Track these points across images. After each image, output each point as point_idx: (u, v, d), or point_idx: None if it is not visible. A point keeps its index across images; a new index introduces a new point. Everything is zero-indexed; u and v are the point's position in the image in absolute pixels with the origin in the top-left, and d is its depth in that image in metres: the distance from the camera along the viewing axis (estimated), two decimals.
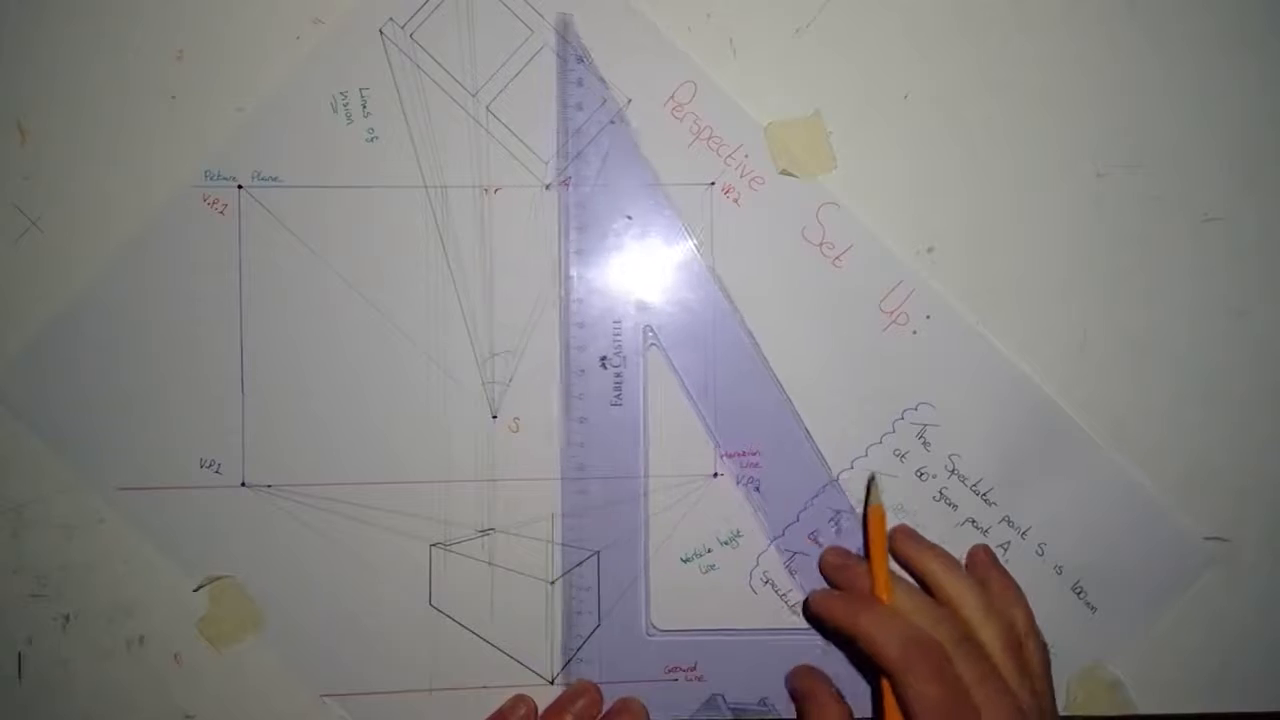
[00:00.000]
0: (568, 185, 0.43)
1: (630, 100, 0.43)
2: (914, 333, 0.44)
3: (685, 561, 0.44)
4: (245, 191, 0.43)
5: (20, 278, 0.42)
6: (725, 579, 0.44)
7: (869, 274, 0.44)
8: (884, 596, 0.40)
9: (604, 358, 0.44)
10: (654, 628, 0.44)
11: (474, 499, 0.43)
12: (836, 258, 0.44)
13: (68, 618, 0.43)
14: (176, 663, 0.43)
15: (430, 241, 0.43)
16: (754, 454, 0.44)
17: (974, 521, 0.44)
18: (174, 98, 0.42)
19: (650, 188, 0.44)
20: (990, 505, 0.44)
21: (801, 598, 0.44)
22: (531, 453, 0.44)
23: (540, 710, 0.43)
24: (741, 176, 0.44)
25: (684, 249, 0.44)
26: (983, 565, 0.43)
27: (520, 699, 0.43)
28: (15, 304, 0.42)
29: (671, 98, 0.43)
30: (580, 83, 0.43)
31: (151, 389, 0.43)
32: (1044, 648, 0.41)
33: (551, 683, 0.44)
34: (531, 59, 0.43)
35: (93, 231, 0.42)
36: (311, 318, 0.43)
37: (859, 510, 0.44)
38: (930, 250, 0.44)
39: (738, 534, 0.44)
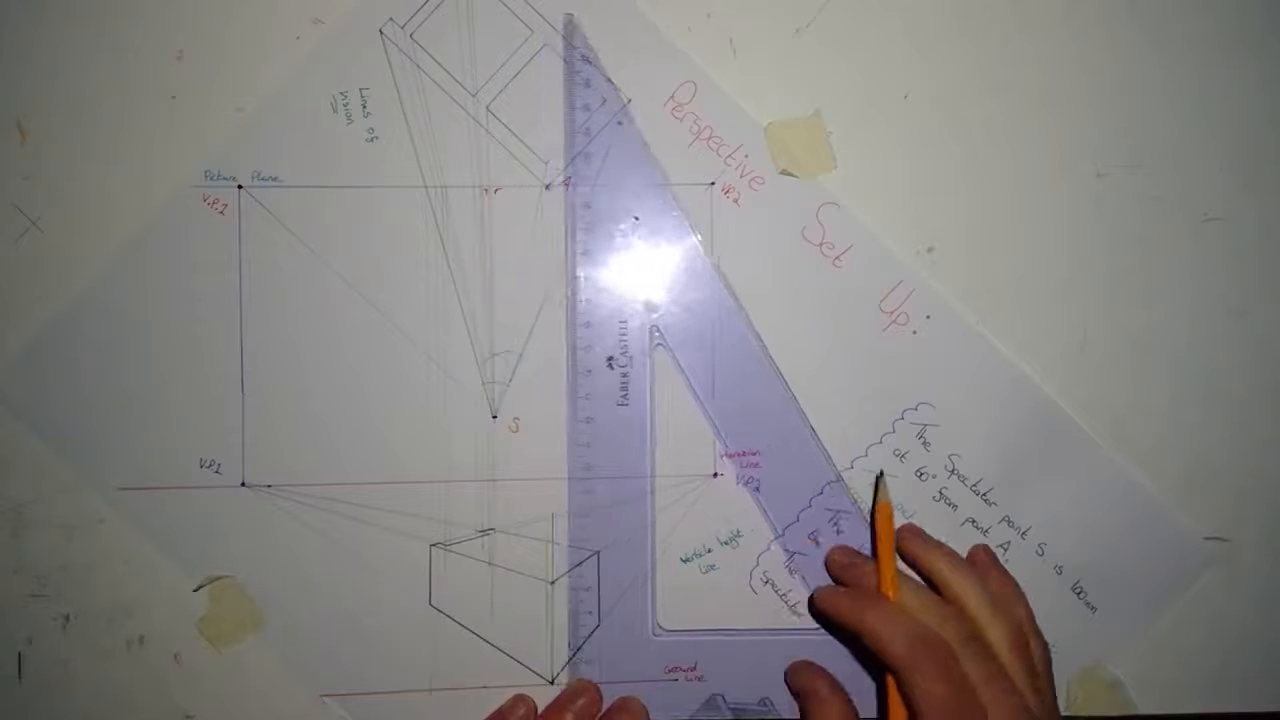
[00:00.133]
0: (568, 185, 0.43)
1: (630, 100, 0.43)
2: (914, 333, 0.44)
3: (685, 561, 0.44)
4: (245, 191, 0.43)
5: (20, 278, 0.42)
6: (725, 579, 0.44)
7: (869, 274, 0.44)
8: (890, 594, 0.40)
9: (610, 358, 0.44)
10: (660, 628, 0.44)
11: (474, 499, 0.43)
12: (836, 258, 0.44)
13: (68, 618, 0.43)
14: (176, 663, 0.43)
15: (430, 241, 0.43)
16: (754, 454, 0.44)
17: (974, 521, 0.44)
18: (174, 98, 0.42)
19: (657, 188, 0.44)
20: (990, 505, 0.44)
21: (802, 598, 0.44)
22: (532, 453, 0.44)
23: (540, 710, 0.43)
24: (741, 176, 0.44)
25: (690, 249, 0.44)
26: (983, 565, 0.43)
27: (520, 699, 0.43)
28: (15, 304, 0.42)
29: (671, 98, 0.43)
30: (588, 83, 0.43)
31: (151, 389, 0.43)
32: (1045, 647, 0.41)
33: (551, 683, 0.44)
34: (532, 59, 0.43)
35: (93, 231, 0.42)
36: (311, 318, 0.43)
37: (860, 510, 0.44)
38: (930, 250, 0.44)
39: (738, 534, 0.44)
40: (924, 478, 0.44)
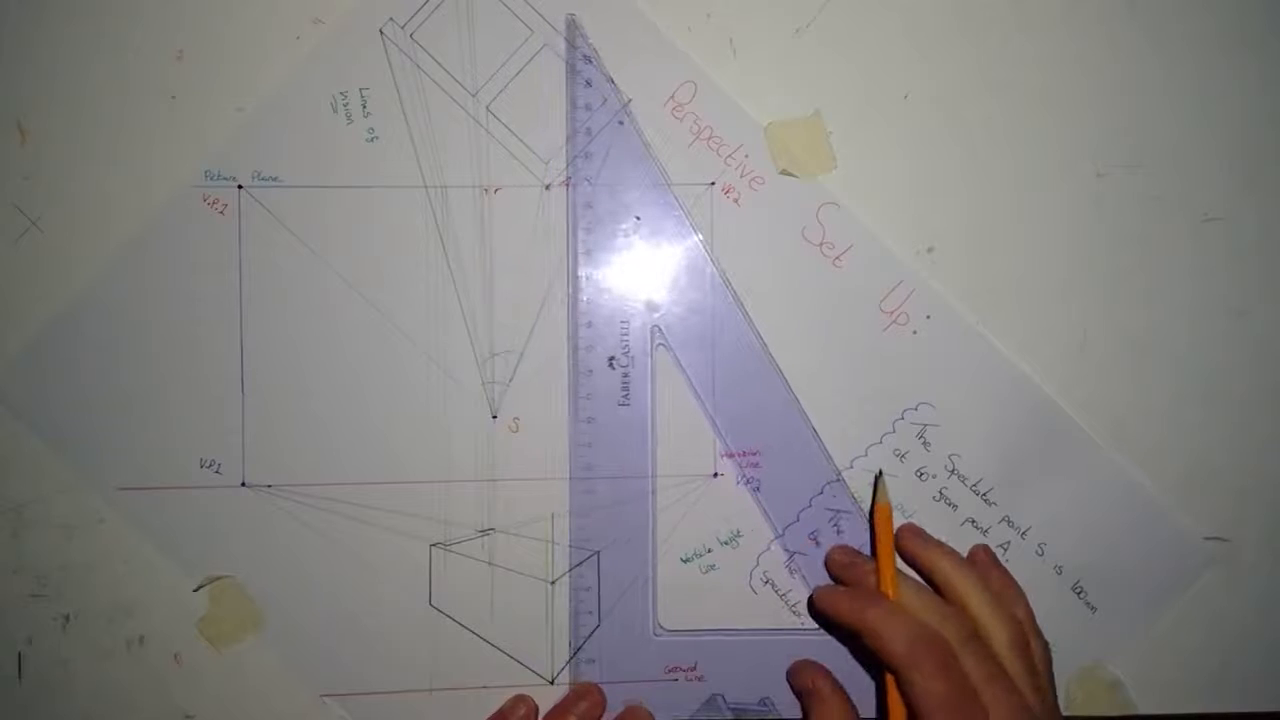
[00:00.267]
0: (568, 185, 0.43)
1: (630, 100, 0.43)
2: (914, 333, 0.44)
3: (685, 561, 0.44)
4: (245, 191, 0.43)
5: (20, 278, 0.42)
6: (725, 579, 0.44)
7: (869, 274, 0.44)
8: (890, 593, 0.40)
9: (612, 358, 0.44)
10: (660, 628, 0.44)
11: (474, 499, 0.43)
12: (836, 258, 0.44)
13: (68, 618, 0.43)
14: (176, 663, 0.43)
15: (430, 241, 0.43)
16: (754, 454, 0.44)
17: (974, 521, 0.44)
18: (174, 98, 0.42)
19: (659, 188, 0.44)
20: (990, 505, 0.44)
21: (802, 598, 0.44)
22: (532, 453, 0.44)
23: (541, 712, 0.43)
24: (741, 176, 0.44)
25: (691, 249, 0.44)
26: (983, 565, 0.43)
27: (520, 699, 0.43)
28: (15, 304, 0.42)
29: (671, 98, 0.43)
30: (589, 83, 0.43)
31: (151, 389, 0.43)
32: (1046, 646, 0.41)
33: (551, 683, 0.44)
34: (532, 59, 0.43)
35: (93, 231, 0.42)
36: (311, 318, 0.43)
37: (860, 510, 0.44)
38: (930, 250, 0.44)
39: (738, 534, 0.44)
40: (924, 478, 0.44)
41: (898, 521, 0.43)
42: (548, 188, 0.44)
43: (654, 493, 0.44)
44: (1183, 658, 0.44)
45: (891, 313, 0.44)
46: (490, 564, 0.44)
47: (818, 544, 0.44)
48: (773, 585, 0.44)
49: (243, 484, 0.43)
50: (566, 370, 0.44)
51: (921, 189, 0.44)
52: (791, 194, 0.44)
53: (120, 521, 0.43)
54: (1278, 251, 0.44)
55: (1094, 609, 0.44)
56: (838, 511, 0.44)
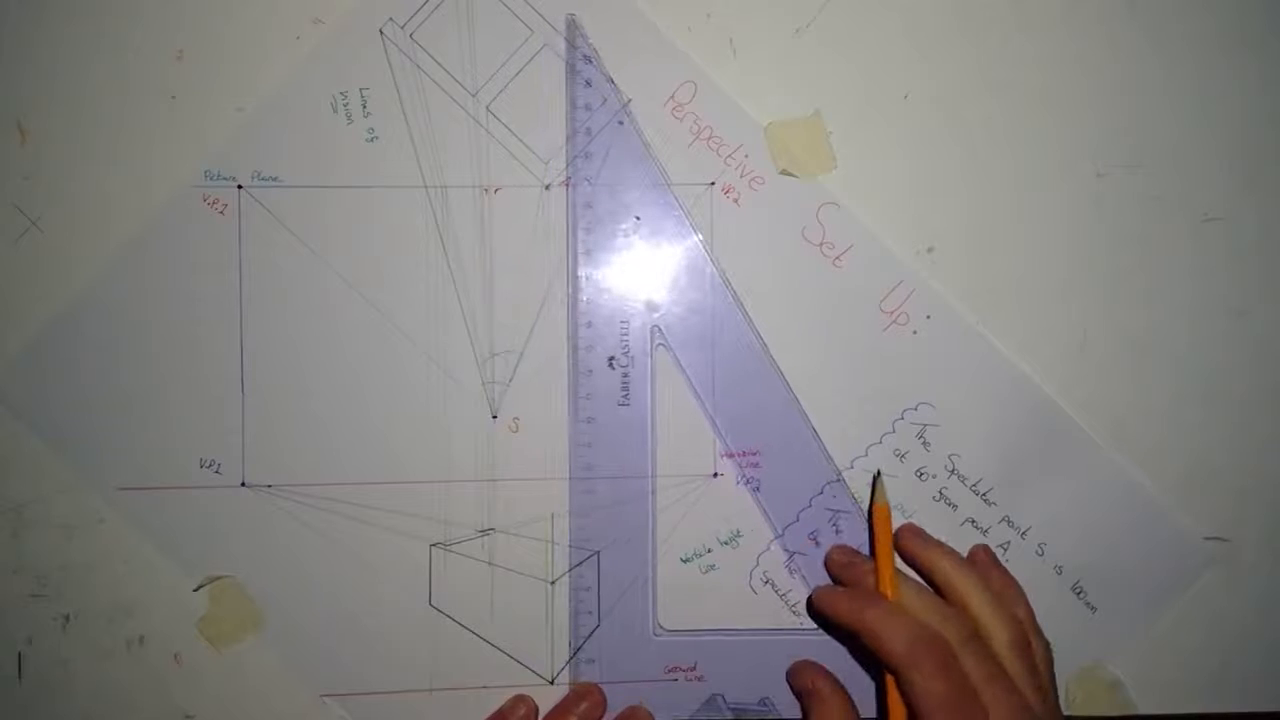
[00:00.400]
0: (568, 185, 0.43)
1: (630, 100, 0.43)
2: (914, 333, 0.44)
3: (685, 561, 0.44)
4: (245, 191, 0.43)
5: (20, 278, 0.42)
6: (725, 579, 0.44)
7: (869, 274, 0.44)
8: (889, 593, 0.40)
9: (612, 358, 0.44)
10: (660, 628, 0.44)
11: (474, 499, 0.43)
12: (836, 258, 0.44)
13: (68, 618, 0.43)
14: (176, 663, 0.43)
15: (430, 241, 0.43)
16: (754, 454, 0.44)
17: (974, 521, 0.44)
18: (174, 98, 0.42)
19: (659, 188, 0.44)
20: (990, 505, 0.44)
21: (802, 598, 0.44)
22: (532, 453, 0.44)
23: (542, 712, 0.43)
24: (741, 176, 0.44)
25: (691, 249, 0.44)
26: (983, 565, 0.43)
27: (520, 699, 0.43)
28: (15, 304, 0.42)
29: (671, 98, 0.43)
30: (589, 83, 0.43)
31: (151, 389, 0.43)
32: (1047, 646, 0.41)
33: (551, 683, 0.44)
34: (532, 59, 0.43)
35: (93, 231, 0.42)
36: (311, 318, 0.43)
37: (860, 510, 0.44)
38: (930, 250, 0.44)
39: (738, 534, 0.44)
40: (924, 478, 0.44)
41: (898, 521, 0.43)
42: (548, 188, 0.44)
43: (654, 493, 0.44)
44: (1183, 658, 0.44)
45: (891, 313, 0.44)
46: (490, 564, 0.44)
47: (817, 544, 0.44)
48: (773, 585, 0.44)
49: (243, 484, 0.43)
50: (566, 370, 0.44)
51: (921, 189, 0.44)
52: (791, 194, 0.44)
53: (120, 521, 0.43)
54: (1278, 251, 0.44)
55: (1094, 609, 0.44)
56: (837, 511, 0.44)
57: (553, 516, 0.44)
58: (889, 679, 0.39)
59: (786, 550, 0.44)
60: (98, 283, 0.42)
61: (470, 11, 0.43)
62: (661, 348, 0.44)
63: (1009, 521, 0.44)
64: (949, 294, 0.44)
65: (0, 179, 0.42)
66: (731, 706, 0.44)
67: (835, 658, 0.44)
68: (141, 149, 0.42)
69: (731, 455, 0.44)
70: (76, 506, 0.43)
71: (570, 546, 0.44)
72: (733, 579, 0.44)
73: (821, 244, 0.44)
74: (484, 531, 0.44)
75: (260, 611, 0.43)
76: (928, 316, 0.44)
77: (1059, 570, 0.44)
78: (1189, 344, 0.44)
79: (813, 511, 0.44)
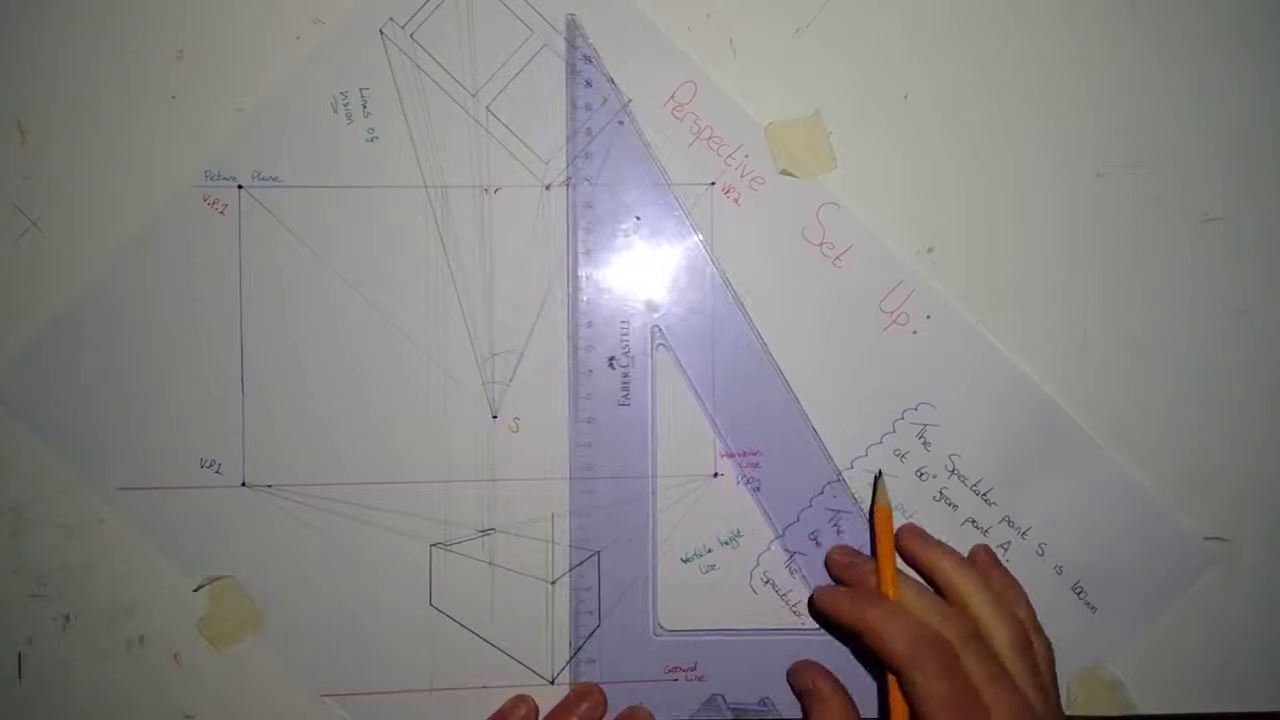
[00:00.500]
0: (568, 185, 0.43)
1: (630, 100, 0.43)
2: (914, 333, 0.44)
3: (685, 561, 0.44)
4: (245, 191, 0.43)
5: (20, 278, 0.42)
6: (725, 579, 0.44)
7: (869, 274, 0.44)
8: (891, 593, 0.40)
9: (612, 358, 0.44)
10: (661, 628, 0.44)
11: (474, 499, 0.43)
12: (836, 258, 0.44)
13: (68, 618, 0.43)
14: (176, 663, 0.43)
15: (430, 241, 0.43)
16: (754, 454, 0.44)
17: (974, 521, 0.44)
18: (174, 98, 0.42)
19: (659, 188, 0.44)
20: (990, 505, 0.44)
21: (802, 598, 0.44)
22: (532, 453, 0.44)
23: (542, 712, 0.43)
24: (741, 176, 0.44)
25: (691, 249, 0.44)
26: (984, 565, 0.43)
27: (520, 699, 0.43)
28: (15, 304, 0.42)
29: (672, 98, 0.43)
30: (589, 83, 0.43)
31: (151, 389, 0.43)
32: (1048, 645, 0.41)
33: (551, 683, 0.44)
34: (532, 59, 0.43)
35: (93, 231, 0.42)
36: (311, 318, 0.43)
37: (861, 510, 0.44)
38: (930, 250, 0.44)
39: (738, 534, 0.44)
40: (924, 478, 0.44)
41: (898, 521, 0.43)
42: (548, 188, 0.44)
43: (654, 493, 0.44)
44: (1183, 658, 0.44)
45: (891, 313, 0.44)
46: (490, 564, 0.44)
47: (818, 544, 0.44)
48: (773, 585, 0.44)
49: (243, 484, 0.43)
50: (566, 370, 0.44)
51: (921, 189, 0.44)
52: (791, 194, 0.44)
53: (120, 521, 0.43)
54: (1278, 251, 0.44)
55: (1094, 609, 0.44)
56: (838, 512, 0.44)
57: (553, 516, 0.44)
58: (891, 679, 0.39)
59: (787, 550, 0.44)
60: (98, 283, 0.42)
61: (470, 11, 0.43)
62: (662, 348, 0.44)
63: (1009, 521, 0.44)
64: (949, 294, 0.44)
65: (0, 179, 0.42)
66: (731, 706, 0.44)
67: (836, 658, 0.44)
68: (141, 149, 0.42)
69: (732, 455, 0.44)
70: (76, 506, 0.43)
71: (570, 546, 0.44)
72: (733, 579, 0.44)
73: (821, 244, 0.44)
74: (484, 531, 0.44)
75: (260, 611, 0.43)
76: (928, 316, 0.44)
77: (1059, 570, 0.44)
78: (1189, 344, 0.44)
79: (813, 511, 0.44)
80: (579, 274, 0.44)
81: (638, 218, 0.44)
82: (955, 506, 0.44)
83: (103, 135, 0.42)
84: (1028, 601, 0.42)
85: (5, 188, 0.42)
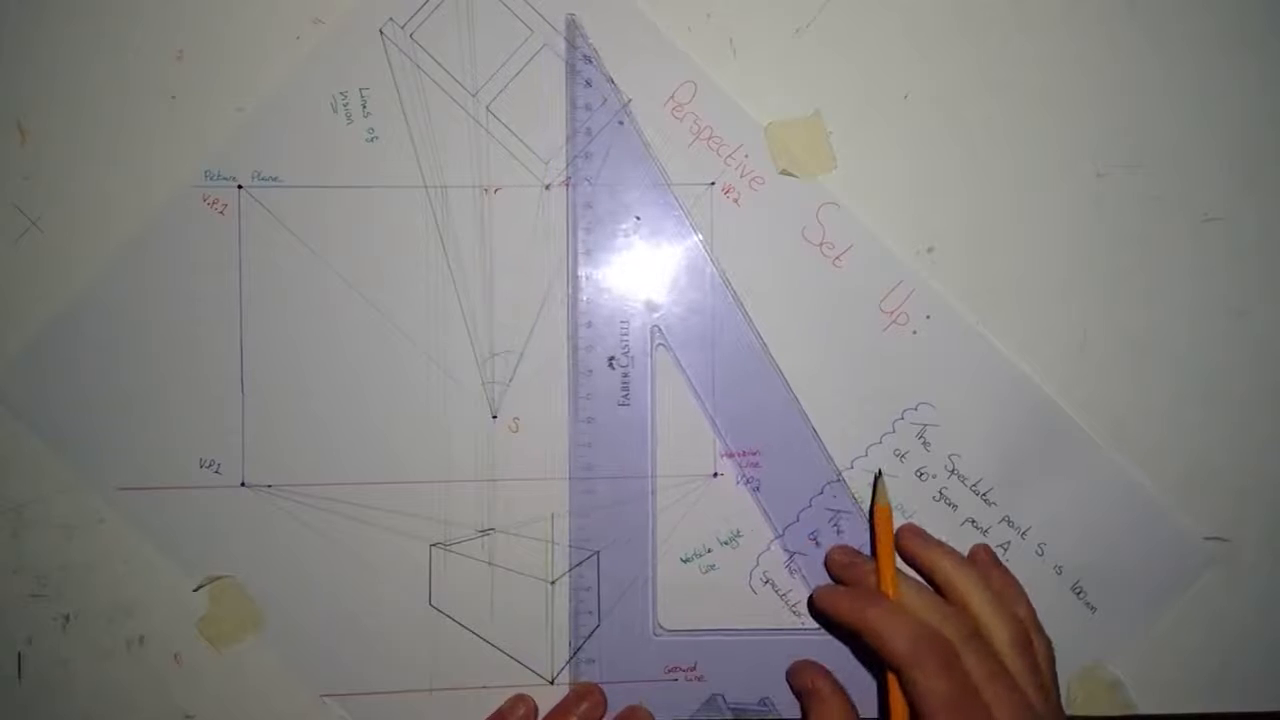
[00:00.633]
0: (568, 185, 0.43)
1: (630, 100, 0.43)
2: (914, 333, 0.44)
3: (685, 561, 0.44)
4: (245, 191, 0.43)
5: (20, 278, 0.42)
6: (725, 579, 0.44)
7: (869, 274, 0.44)
8: (891, 593, 0.40)
9: (612, 358, 0.44)
10: (660, 628, 0.44)
11: (474, 499, 0.43)
12: (836, 258, 0.44)
13: (68, 618, 0.43)
14: (176, 663, 0.43)
15: (430, 241, 0.43)
16: (754, 454, 0.44)
17: (974, 521, 0.44)
18: (174, 98, 0.42)
19: (659, 188, 0.44)
20: (990, 505, 0.44)
21: (802, 598, 0.44)
22: (532, 453, 0.44)
23: (542, 712, 0.43)
24: (741, 176, 0.44)
25: (691, 249, 0.44)
26: (984, 564, 0.43)
27: (520, 699, 0.43)
28: (15, 304, 0.42)
29: (671, 98, 0.43)
30: (589, 83, 0.43)
31: (151, 389, 0.43)
32: (1048, 644, 0.41)
33: (551, 683, 0.44)
34: (532, 59, 0.43)
35: (93, 231, 0.42)
36: (311, 318, 0.43)
37: (861, 510, 0.44)
38: (930, 250, 0.44)
39: (738, 534, 0.44)
40: (924, 478, 0.44)
41: (898, 521, 0.43)
42: (548, 188, 0.44)
43: (654, 493, 0.44)
44: (1183, 658, 0.44)
45: (891, 313, 0.44)
46: (490, 564, 0.44)
47: (818, 544, 0.44)
48: (773, 585, 0.44)
49: (242, 484, 0.43)
50: (566, 370, 0.44)
51: (921, 189, 0.44)
52: (791, 194, 0.44)
53: (120, 521, 0.43)
54: (1278, 251, 0.44)
55: (1094, 609, 0.44)
56: (838, 511, 0.44)
57: (553, 516, 0.44)
58: (891, 678, 0.39)
59: (787, 550, 0.44)
60: (98, 283, 0.42)
61: (470, 11, 0.43)
62: (661, 348, 0.44)
63: (1009, 521, 0.44)
64: (949, 294, 0.44)
65: (0, 179, 0.42)
66: (731, 706, 0.44)
67: (836, 658, 0.44)
68: (141, 149, 0.42)
69: (731, 455, 0.44)
70: (76, 506, 0.43)
71: (570, 546, 0.44)
72: (733, 579, 0.44)
73: (821, 244, 0.44)
74: (484, 531, 0.44)
75: (260, 611, 0.43)
76: (928, 316, 0.44)
77: (1059, 570, 0.44)
78: (1189, 344, 0.44)
79: (813, 511, 0.44)
80: (579, 274, 0.44)
81: (638, 218, 0.44)
82: (955, 506, 0.44)
83: (103, 135, 0.42)
84: (1028, 601, 0.42)
85: (5, 188, 0.42)
